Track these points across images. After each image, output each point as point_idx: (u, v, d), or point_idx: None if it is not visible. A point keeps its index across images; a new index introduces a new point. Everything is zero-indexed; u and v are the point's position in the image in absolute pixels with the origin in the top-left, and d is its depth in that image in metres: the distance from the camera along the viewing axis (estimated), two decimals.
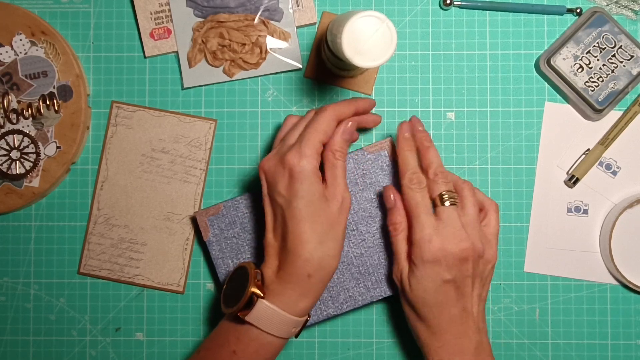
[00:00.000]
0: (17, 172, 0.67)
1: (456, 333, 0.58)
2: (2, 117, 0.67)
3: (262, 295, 0.55)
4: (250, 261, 0.62)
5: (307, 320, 0.58)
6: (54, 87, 0.67)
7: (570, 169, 0.68)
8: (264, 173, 0.58)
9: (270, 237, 0.58)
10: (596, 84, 0.66)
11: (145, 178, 0.69)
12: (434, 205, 0.58)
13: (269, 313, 0.55)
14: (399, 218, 0.59)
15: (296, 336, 0.59)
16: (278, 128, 0.69)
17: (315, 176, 0.55)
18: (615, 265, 0.66)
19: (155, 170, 0.69)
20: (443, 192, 0.57)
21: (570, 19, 0.69)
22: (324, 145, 0.57)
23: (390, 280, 0.63)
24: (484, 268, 0.59)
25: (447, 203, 0.57)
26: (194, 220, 0.68)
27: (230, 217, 0.64)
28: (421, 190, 0.58)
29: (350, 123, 0.58)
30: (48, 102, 0.66)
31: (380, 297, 0.63)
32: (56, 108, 0.67)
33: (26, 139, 0.67)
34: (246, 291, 0.55)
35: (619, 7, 0.69)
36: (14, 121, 0.67)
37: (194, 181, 0.69)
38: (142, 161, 0.69)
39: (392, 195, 0.60)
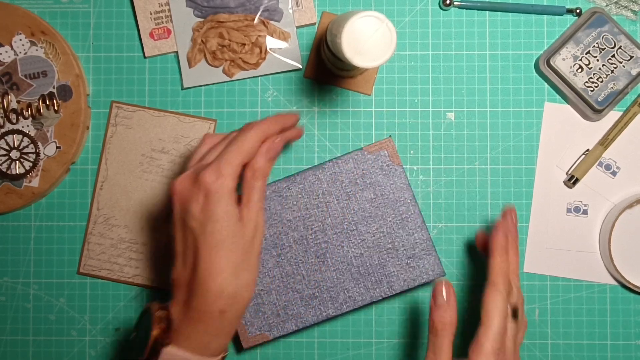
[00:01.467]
0: (17, 172, 0.67)
1: None
2: (1, 117, 0.67)
3: (167, 341, 0.50)
4: (156, 302, 0.55)
5: (224, 357, 0.54)
6: (53, 87, 0.67)
7: (569, 169, 0.68)
8: (176, 194, 0.52)
9: (179, 267, 0.52)
10: (596, 85, 0.66)
11: (145, 178, 0.69)
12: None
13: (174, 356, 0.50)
14: (448, 317, 0.52)
15: None
16: None
17: (231, 198, 0.51)
18: (614, 266, 0.66)
19: (155, 170, 0.69)
20: (516, 305, 0.54)
21: (570, 19, 0.69)
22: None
23: (390, 280, 0.63)
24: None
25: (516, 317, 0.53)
26: None
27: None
28: (505, 298, 0.52)
29: (278, 139, 0.54)
30: (48, 102, 0.66)
31: (380, 297, 0.63)
32: (56, 108, 0.67)
33: (26, 139, 0.67)
34: (149, 339, 0.50)
35: (619, 7, 0.69)
36: (14, 121, 0.67)
37: None
38: (142, 161, 0.69)
39: (443, 291, 0.53)
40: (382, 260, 0.63)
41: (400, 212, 0.64)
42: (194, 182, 0.51)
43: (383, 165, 0.64)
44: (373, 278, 0.63)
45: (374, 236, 0.63)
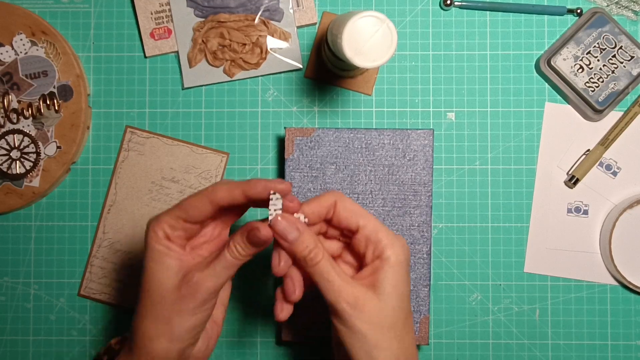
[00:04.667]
0: (17, 172, 0.67)
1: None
2: (2, 116, 0.67)
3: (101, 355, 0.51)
4: (118, 337, 0.54)
5: None
6: (54, 87, 0.67)
7: (570, 169, 0.68)
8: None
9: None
10: (596, 85, 0.66)
11: (153, 206, 0.69)
12: None
13: None
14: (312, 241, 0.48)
15: None
16: (278, 128, 0.69)
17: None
18: (615, 266, 0.66)
19: (164, 199, 0.69)
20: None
21: (571, 19, 0.69)
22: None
23: None
24: None
25: None
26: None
27: (321, 145, 0.64)
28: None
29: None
30: (48, 102, 0.66)
31: None
32: (56, 108, 0.67)
33: (26, 139, 0.67)
34: None
35: (620, 7, 0.69)
36: (14, 121, 0.67)
37: None
38: (152, 189, 0.69)
39: (295, 225, 0.48)
40: None
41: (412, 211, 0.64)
42: None
43: (427, 155, 0.64)
44: None
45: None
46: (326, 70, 0.69)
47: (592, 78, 0.66)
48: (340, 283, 0.47)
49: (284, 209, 0.48)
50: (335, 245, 0.53)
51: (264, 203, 0.47)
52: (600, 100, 0.67)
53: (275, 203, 0.47)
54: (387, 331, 0.47)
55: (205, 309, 0.48)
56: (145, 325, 0.48)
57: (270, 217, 0.47)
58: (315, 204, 0.50)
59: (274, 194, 0.47)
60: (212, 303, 0.48)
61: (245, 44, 0.68)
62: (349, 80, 0.69)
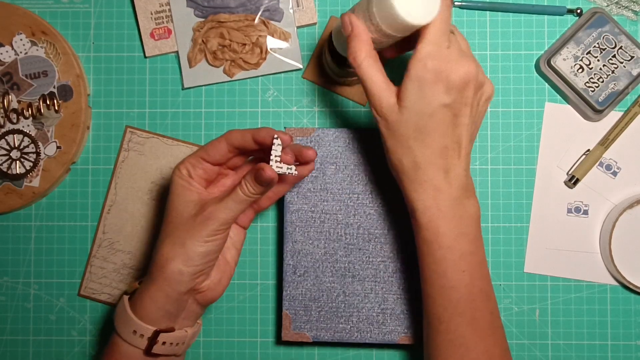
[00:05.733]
0: (17, 172, 0.67)
1: (443, 167, 0.52)
2: (2, 116, 0.67)
3: (129, 292, 0.56)
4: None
5: (155, 334, 0.54)
6: (54, 87, 0.67)
7: (570, 169, 0.68)
8: None
9: None
10: (596, 85, 0.66)
11: (153, 206, 0.69)
12: None
13: (120, 310, 0.55)
14: (364, 46, 0.52)
15: (145, 352, 0.54)
16: (278, 128, 0.69)
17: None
18: (615, 266, 0.66)
19: (164, 199, 0.68)
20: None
21: (571, 19, 0.69)
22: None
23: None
24: (482, 100, 0.53)
25: None
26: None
27: (321, 145, 0.64)
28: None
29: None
30: (48, 102, 0.66)
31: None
32: (56, 108, 0.67)
33: (26, 139, 0.67)
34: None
35: (619, 7, 0.69)
36: (14, 121, 0.67)
37: None
38: (152, 189, 0.69)
39: (348, 19, 0.52)
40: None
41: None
42: None
43: None
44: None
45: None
46: (325, 75, 0.68)
47: (592, 78, 0.66)
48: (376, 90, 0.53)
49: (281, 159, 0.54)
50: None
51: (269, 150, 0.54)
52: (600, 100, 0.67)
53: (276, 149, 0.53)
54: (404, 140, 0.52)
55: (217, 239, 0.54)
56: (164, 247, 0.54)
57: (271, 161, 0.53)
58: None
59: (277, 138, 0.53)
60: (223, 235, 0.54)
61: (245, 44, 0.68)
62: (346, 88, 0.69)
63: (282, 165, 0.54)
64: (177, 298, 0.54)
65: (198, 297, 0.56)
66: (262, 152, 0.56)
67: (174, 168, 0.56)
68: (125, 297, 0.56)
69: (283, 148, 0.54)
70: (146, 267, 0.69)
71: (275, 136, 0.53)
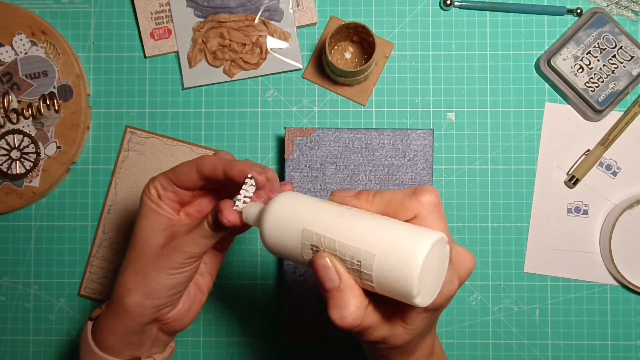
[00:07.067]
0: (17, 172, 0.67)
1: (427, 345, 0.46)
2: (2, 116, 0.67)
3: (93, 318, 0.51)
4: None
5: None
6: (54, 87, 0.67)
7: (570, 169, 0.68)
8: None
9: None
10: (596, 85, 0.66)
11: None
12: None
13: (83, 337, 0.50)
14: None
15: None
16: (278, 128, 0.69)
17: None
18: (615, 266, 0.66)
19: None
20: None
21: (571, 19, 0.69)
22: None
23: None
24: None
25: None
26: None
27: (321, 145, 0.64)
28: None
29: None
30: (48, 102, 0.66)
31: None
32: (56, 108, 0.67)
33: (26, 139, 0.67)
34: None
35: (619, 7, 0.69)
36: (14, 121, 0.67)
37: None
38: None
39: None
40: None
41: None
42: None
43: (427, 155, 0.64)
44: None
45: None
46: (324, 74, 0.69)
47: (592, 78, 0.66)
48: (375, 327, 0.42)
49: (252, 201, 0.45)
50: None
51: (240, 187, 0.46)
52: (600, 100, 0.67)
53: (247, 189, 0.45)
54: (408, 355, 0.45)
55: (184, 272, 0.48)
56: (125, 277, 0.48)
57: (237, 200, 0.45)
58: None
59: (250, 178, 0.45)
60: (191, 268, 0.48)
61: (245, 44, 0.68)
62: (346, 87, 0.69)
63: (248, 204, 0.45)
64: (139, 330, 0.49)
65: (164, 327, 0.51)
66: (236, 187, 0.47)
67: (144, 186, 0.49)
68: (89, 324, 0.51)
69: (257, 189, 0.46)
70: None
71: (250, 176, 0.45)
